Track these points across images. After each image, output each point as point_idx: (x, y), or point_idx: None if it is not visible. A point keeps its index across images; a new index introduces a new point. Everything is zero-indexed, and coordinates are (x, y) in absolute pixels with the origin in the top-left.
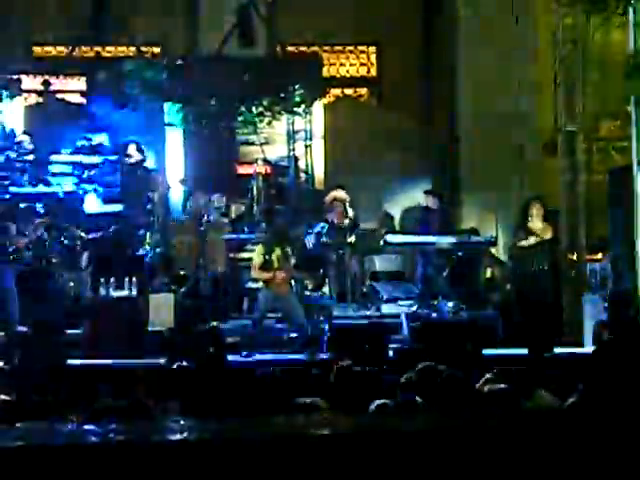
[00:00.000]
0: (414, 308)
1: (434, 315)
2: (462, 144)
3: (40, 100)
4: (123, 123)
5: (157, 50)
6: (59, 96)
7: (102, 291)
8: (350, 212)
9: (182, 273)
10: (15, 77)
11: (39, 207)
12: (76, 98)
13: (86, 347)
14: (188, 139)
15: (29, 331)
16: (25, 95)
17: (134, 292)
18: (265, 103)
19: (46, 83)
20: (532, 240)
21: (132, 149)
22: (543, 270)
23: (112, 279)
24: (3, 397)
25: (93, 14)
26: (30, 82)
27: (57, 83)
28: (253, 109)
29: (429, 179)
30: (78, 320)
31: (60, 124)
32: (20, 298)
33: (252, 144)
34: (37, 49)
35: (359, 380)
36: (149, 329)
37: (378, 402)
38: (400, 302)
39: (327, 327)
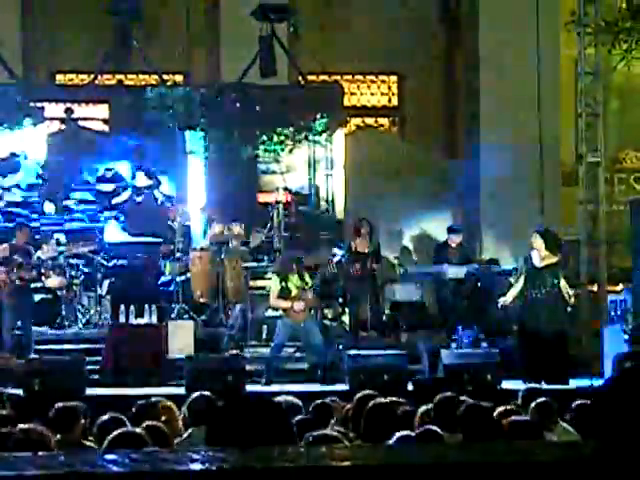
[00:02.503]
0: (433, 338)
1: (453, 345)
2: (483, 174)
3: (62, 127)
4: (145, 151)
5: (179, 78)
6: (81, 123)
7: (122, 318)
8: (373, 241)
9: (201, 301)
10: (38, 105)
11: (60, 235)
12: (98, 125)
13: (105, 374)
14: (209, 167)
15: (47, 359)
16: (48, 123)
17: (154, 320)
18: (286, 132)
19: (68, 111)
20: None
21: (140, 175)
22: (551, 299)
23: (132, 307)
24: (22, 426)
25: (116, 42)
26: (53, 110)
27: (79, 110)
28: (274, 138)
29: (449, 209)
30: (98, 347)
31: (82, 152)
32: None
33: (273, 173)
34: (60, 76)
35: (379, 411)
36: (168, 357)
37: (400, 434)
38: (419, 332)
39: (346, 357)
